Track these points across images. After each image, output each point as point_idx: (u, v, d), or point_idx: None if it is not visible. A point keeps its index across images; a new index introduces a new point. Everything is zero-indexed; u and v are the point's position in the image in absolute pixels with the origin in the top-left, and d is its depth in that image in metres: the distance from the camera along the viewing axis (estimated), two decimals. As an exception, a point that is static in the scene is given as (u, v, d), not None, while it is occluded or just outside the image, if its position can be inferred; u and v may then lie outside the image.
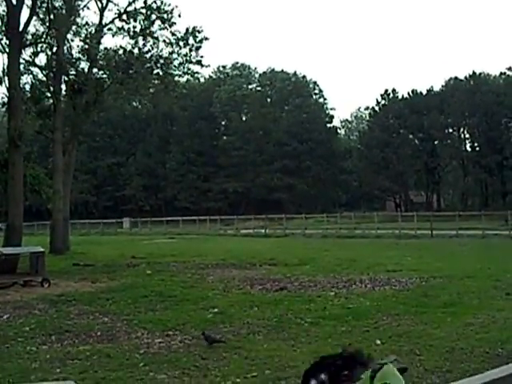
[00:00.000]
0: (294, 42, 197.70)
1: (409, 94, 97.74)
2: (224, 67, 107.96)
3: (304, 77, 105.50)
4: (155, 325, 13.93)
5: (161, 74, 40.77)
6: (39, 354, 11.56)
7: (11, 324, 14.68)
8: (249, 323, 13.77)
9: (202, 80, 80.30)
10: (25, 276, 22.34)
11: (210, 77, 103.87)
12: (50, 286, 21.21)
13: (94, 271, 25.78)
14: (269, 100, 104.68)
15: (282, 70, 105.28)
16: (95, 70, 40.23)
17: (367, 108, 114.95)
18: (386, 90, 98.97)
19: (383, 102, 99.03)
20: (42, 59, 39.19)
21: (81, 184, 74.68)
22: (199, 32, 39.87)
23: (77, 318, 15.11)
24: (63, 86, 39.63)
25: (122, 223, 74.95)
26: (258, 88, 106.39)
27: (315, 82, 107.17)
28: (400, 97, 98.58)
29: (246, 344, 11.80)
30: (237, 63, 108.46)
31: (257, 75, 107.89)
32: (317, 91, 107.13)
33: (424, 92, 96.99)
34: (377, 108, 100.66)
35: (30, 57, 37.40)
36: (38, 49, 37.69)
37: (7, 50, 31.08)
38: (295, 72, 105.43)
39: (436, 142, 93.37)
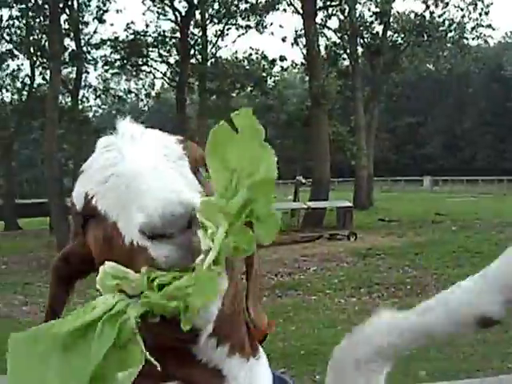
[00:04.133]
0: None
1: None
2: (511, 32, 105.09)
3: None
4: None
5: (455, 37, 40.56)
6: (348, 305, 11.69)
7: (319, 276, 15.01)
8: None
9: (491, 44, 78.83)
10: (331, 229, 22.82)
11: (499, 41, 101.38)
12: (357, 239, 21.47)
13: (399, 226, 25.74)
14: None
15: None
16: (389, 33, 40.39)
17: None
18: None
19: None
20: (334, 22, 39.93)
21: (381, 142, 75.30)
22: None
23: (385, 271, 15.14)
24: (359, 48, 40.08)
25: (422, 181, 74.97)
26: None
27: None
28: None
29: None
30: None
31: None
32: None
33: None
34: None
35: (322, 20, 37.83)
36: (330, 12, 38.19)
37: (301, 11, 31.70)
38: None
39: None
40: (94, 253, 1.30)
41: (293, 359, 8.14)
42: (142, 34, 37.55)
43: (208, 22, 37.94)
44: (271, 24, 40.15)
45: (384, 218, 28.79)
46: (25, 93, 37.84)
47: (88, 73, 41.49)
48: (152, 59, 38.88)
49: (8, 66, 37.47)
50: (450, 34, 40.45)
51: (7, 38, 34.79)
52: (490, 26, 41.01)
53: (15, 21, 34.44)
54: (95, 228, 1.29)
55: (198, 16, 37.13)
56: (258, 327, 1.44)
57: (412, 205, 38.39)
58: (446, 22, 40.00)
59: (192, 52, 37.28)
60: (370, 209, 35.40)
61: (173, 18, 37.02)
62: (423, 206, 36.04)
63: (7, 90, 38.66)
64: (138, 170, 1.21)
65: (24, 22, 34.25)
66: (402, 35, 39.81)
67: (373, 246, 19.61)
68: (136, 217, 1.13)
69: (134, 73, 40.91)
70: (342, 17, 38.69)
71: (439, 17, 40.03)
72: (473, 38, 42.00)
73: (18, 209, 39.11)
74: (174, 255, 1.09)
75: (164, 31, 38.17)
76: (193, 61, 37.56)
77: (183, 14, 35.72)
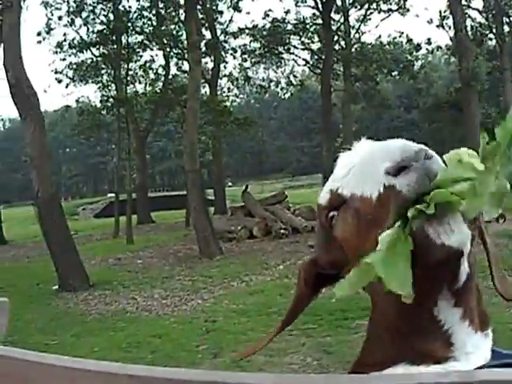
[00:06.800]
0: None
1: None
2: None
3: None
4: None
5: None
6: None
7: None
8: None
9: None
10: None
11: None
12: (505, 221, 20.34)
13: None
14: None
15: None
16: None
17: None
18: None
19: None
20: (477, 3, 39.44)
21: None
22: None
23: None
24: (505, 28, 38.99)
25: None
26: None
27: None
28: None
29: None
30: None
31: None
32: None
33: None
34: None
35: (466, 0, 37.15)
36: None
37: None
38: None
39: None
40: (345, 243, 1.37)
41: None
42: (282, 21, 37.64)
43: (350, 7, 37.82)
44: (411, 6, 39.70)
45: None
46: (159, 84, 38.06)
47: (226, 62, 41.50)
48: (294, 46, 38.96)
49: (141, 57, 37.51)
50: None
51: (137, 29, 34.75)
52: None
53: (144, 12, 34.58)
54: (343, 214, 1.37)
55: (338, 2, 36.86)
56: (507, 296, 1.44)
57: None
58: None
59: (335, 38, 37.08)
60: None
61: (312, 3, 36.91)
62: None
63: (140, 82, 38.91)
64: (372, 147, 1.34)
65: (154, 12, 34.49)
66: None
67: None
68: (381, 167, 1.24)
69: (276, 61, 40.93)
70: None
71: None
72: None
73: (151, 202, 39.34)
74: (414, 181, 1.18)
75: (304, 18, 38.21)
76: (336, 47, 37.42)
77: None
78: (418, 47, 40.48)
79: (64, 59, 35.87)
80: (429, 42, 41.47)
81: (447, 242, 1.16)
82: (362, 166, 1.31)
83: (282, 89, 55.61)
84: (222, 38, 38.24)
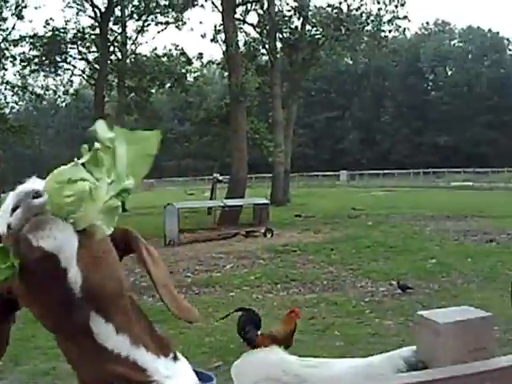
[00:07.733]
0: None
1: None
2: (427, 23, 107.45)
3: (498, 33, 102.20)
4: (378, 274, 14.04)
5: (372, 30, 40.65)
6: (266, 301, 11.90)
7: (236, 273, 14.99)
8: (464, 273, 13.63)
9: (408, 36, 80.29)
10: (247, 227, 22.75)
11: (416, 33, 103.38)
12: (273, 236, 21.44)
13: (315, 222, 25.61)
14: (469, 56, 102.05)
15: (479, 27, 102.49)
16: (308, 28, 40.36)
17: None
18: None
19: None
20: (252, 18, 39.93)
21: (299, 138, 75.33)
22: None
23: (302, 267, 15.36)
24: (278, 44, 39.93)
25: (339, 176, 75.24)
26: (460, 44, 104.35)
27: (508, 39, 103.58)
28: None
29: (462, 293, 11.81)
30: (438, 20, 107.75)
31: (456, 31, 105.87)
32: (511, 47, 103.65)
33: None
34: None
35: (241, 15, 37.76)
36: (249, 7, 38.22)
37: (220, 8, 31.78)
38: (490, 29, 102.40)
39: None
40: None
41: (225, 352, 8.40)
42: (62, 30, 37.16)
43: (128, 18, 37.86)
44: (188, 19, 40.03)
45: (300, 214, 28.68)
46: None
47: (6, 69, 40.66)
48: (71, 56, 38.54)
49: None
50: (367, 28, 40.45)
51: None
52: (406, 17, 41.36)
53: None
54: None
55: (117, 12, 36.99)
56: (184, 318, 1.62)
57: (328, 200, 38.54)
58: (364, 15, 39.98)
59: (111, 49, 37.06)
60: (287, 205, 35.46)
61: (92, 14, 36.74)
62: (339, 201, 36.29)
63: None
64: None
65: None
66: (321, 29, 39.48)
67: (289, 242, 19.66)
68: (10, 208, 1.47)
69: (53, 70, 40.27)
70: (261, 11, 38.70)
71: (356, 10, 39.91)
72: (390, 31, 42.21)
73: None
74: (17, 215, 1.42)
75: (83, 28, 37.85)
76: (112, 57, 37.37)
77: (102, 10, 35.46)
78: (189, 61, 40.69)
79: None
80: (200, 57, 41.92)
81: (42, 245, 1.39)
82: (8, 207, 1.49)
83: (59, 97, 54.83)
84: (2, 45, 37.29)
